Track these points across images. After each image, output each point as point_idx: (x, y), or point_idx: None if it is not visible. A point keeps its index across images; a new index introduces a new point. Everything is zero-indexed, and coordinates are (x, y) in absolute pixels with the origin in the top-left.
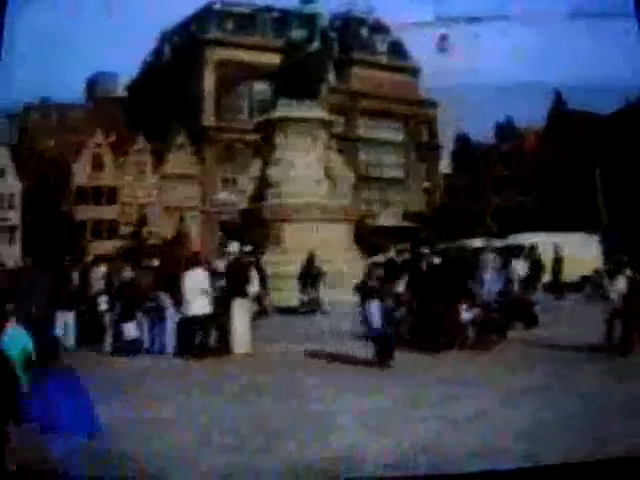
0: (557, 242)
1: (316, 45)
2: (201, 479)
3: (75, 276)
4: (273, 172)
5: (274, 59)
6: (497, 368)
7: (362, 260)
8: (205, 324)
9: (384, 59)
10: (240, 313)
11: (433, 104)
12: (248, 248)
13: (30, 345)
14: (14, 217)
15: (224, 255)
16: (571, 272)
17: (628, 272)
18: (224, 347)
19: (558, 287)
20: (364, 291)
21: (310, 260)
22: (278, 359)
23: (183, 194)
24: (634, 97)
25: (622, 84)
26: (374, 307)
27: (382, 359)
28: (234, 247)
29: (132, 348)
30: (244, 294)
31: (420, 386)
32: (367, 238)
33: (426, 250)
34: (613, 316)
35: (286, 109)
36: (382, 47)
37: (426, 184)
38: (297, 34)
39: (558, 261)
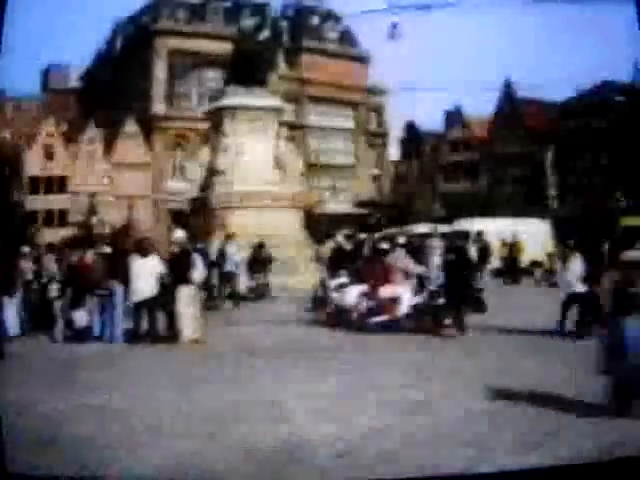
0: (514, 228)
1: (266, 34)
2: (151, 466)
3: (25, 264)
4: (222, 160)
5: (225, 48)
6: (450, 354)
7: (311, 246)
8: (151, 307)
9: (334, 47)
10: (185, 300)
11: (382, 92)
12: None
13: None
14: None
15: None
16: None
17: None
18: (173, 334)
19: (513, 272)
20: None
21: (259, 246)
22: (227, 345)
23: (133, 182)
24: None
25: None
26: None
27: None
28: (178, 234)
29: (82, 335)
30: (188, 281)
31: (371, 371)
32: (316, 225)
33: (375, 235)
34: (569, 300)
35: (235, 97)
36: (333, 35)
37: (375, 171)
38: (248, 23)
39: (513, 246)
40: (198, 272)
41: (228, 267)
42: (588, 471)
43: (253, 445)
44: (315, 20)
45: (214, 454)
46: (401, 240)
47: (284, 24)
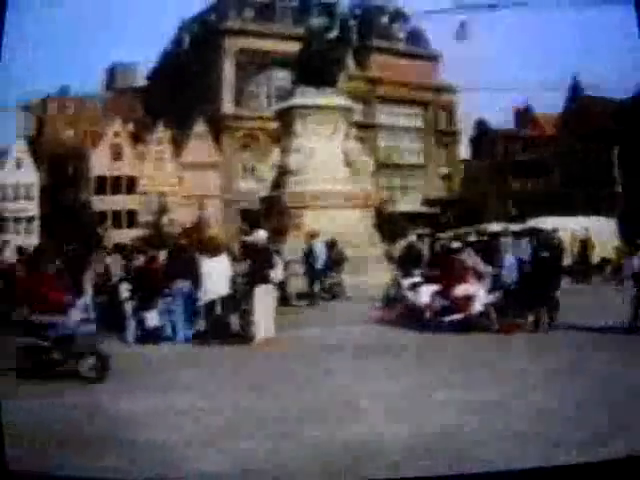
0: (586, 226)
1: (335, 33)
2: (228, 465)
3: (95, 265)
4: (293, 160)
5: (293, 47)
6: (524, 352)
7: (382, 245)
8: (223, 307)
9: (403, 46)
10: (263, 299)
11: (452, 90)
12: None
13: None
14: (31, 208)
15: (245, 242)
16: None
17: None
18: (247, 333)
19: (585, 269)
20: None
21: (331, 245)
22: (300, 344)
23: (203, 182)
24: None
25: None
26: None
27: None
28: (258, 234)
29: (154, 336)
30: (267, 280)
31: (442, 370)
32: (387, 224)
33: (447, 235)
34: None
35: (305, 97)
36: (401, 35)
37: (445, 170)
38: (316, 22)
39: (585, 244)
40: (277, 271)
41: (317, 265)
42: (588, 471)
43: (327, 444)
44: (384, 20)
45: (288, 454)
46: (473, 239)
47: (353, 23)
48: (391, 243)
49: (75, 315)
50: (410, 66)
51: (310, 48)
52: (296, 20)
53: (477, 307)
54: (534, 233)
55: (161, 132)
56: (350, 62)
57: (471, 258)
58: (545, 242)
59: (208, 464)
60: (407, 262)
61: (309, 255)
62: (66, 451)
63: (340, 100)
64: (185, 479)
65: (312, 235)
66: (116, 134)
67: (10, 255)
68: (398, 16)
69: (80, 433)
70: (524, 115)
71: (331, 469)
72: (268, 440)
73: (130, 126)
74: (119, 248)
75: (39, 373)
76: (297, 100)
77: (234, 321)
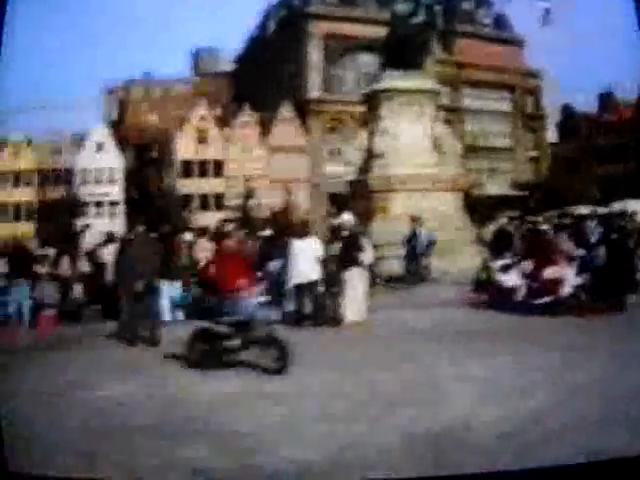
0: None
1: (420, 18)
2: (318, 450)
3: (181, 248)
4: (380, 143)
5: (377, 32)
6: (611, 334)
7: (471, 229)
8: (313, 289)
9: (489, 31)
10: (353, 282)
11: (537, 75)
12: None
13: None
14: (115, 192)
15: (333, 225)
16: None
17: None
18: (337, 316)
19: None
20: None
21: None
22: (390, 327)
23: (290, 166)
24: None
25: None
26: None
27: None
28: (347, 217)
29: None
30: (358, 263)
31: (533, 353)
32: (475, 207)
33: (537, 218)
34: None
35: (392, 80)
36: (486, 20)
37: (533, 153)
38: (402, 7)
39: None
40: (367, 255)
41: (418, 250)
42: (588, 471)
43: (417, 428)
44: (468, 5)
45: (379, 437)
46: (561, 222)
47: (438, 9)
48: (480, 226)
49: (254, 298)
50: (495, 50)
51: (396, 32)
52: (380, 4)
53: (566, 289)
54: (620, 216)
55: (247, 115)
56: (436, 46)
57: (563, 241)
58: (630, 225)
59: (299, 451)
60: (498, 245)
61: (411, 239)
62: (153, 441)
63: (427, 83)
64: (276, 467)
65: (414, 220)
66: (202, 118)
67: (92, 239)
68: (483, 1)
69: (162, 421)
70: (607, 99)
71: (423, 453)
72: (359, 424)
73: (216, 110)
74: (203, 231)
75: (214, 361)
76: (384, 83)
77: (325, 303)
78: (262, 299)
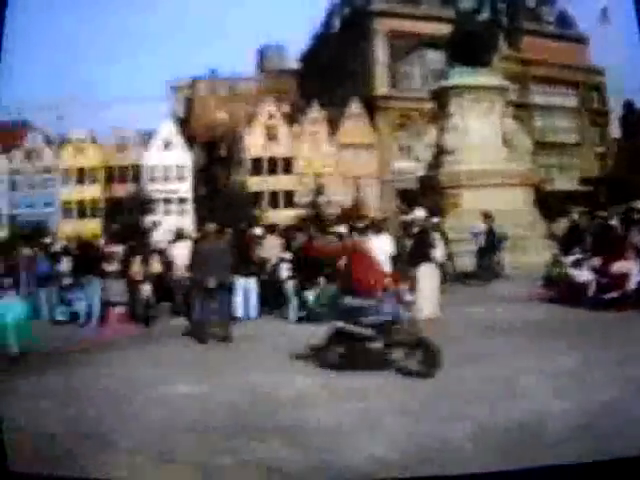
0: None
1: (485, 15)
2: (390, 446)
3: (254, 245)
4: (448, 139)
5: (440, 29)
6: None
7: (541, 224)
8: None
9: (552, 28)
10: (426, 278)
11: (600, 72)
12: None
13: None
14: (183, 189)
15: (405, 221)
16: None
17: None
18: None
19: None
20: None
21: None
22: (463, 324)
23: (359, 163)
24: None
25: None
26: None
27: None
28: (419, 213)
29: (315, 315)
30: (429, 259)
31: (601, 347)
32: (545, 203)
33: (606, 213)
34: None
35: (461, 77)
36: (549, 17)
37: (599, 149)
38: (466, 5)
39: None
40: (439, 251)
41: (490, 245)
42: (588, 471)
43: (491, 422)
44: (532, 2)
45: (454, 433)
46: (629, 216)
47: (502, 6)
48: (550, 222)
49: (400, 298)
50: (559, 48)
51: (462, 29)
52: (443, 2)
53: (633, 284)
54: None
55: (316, 112)
56: (502, 43)
57: (634, 235)
58: None
59: (369, 446)
60: (570, 240)
61: (483, 235)
62: (232, 440)
63: (495, 80)
64: (353, 463)
65: (485, 215)
66: (270, 115)
67: (161, 236)
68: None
69: (242, 419)
70: None
71: (496, 447)
72: (434, 422)
73: (284, 107)
74: (273, 228)
75: (354, 362)
76: (453, 80)
77: None
78: (409, 298)
